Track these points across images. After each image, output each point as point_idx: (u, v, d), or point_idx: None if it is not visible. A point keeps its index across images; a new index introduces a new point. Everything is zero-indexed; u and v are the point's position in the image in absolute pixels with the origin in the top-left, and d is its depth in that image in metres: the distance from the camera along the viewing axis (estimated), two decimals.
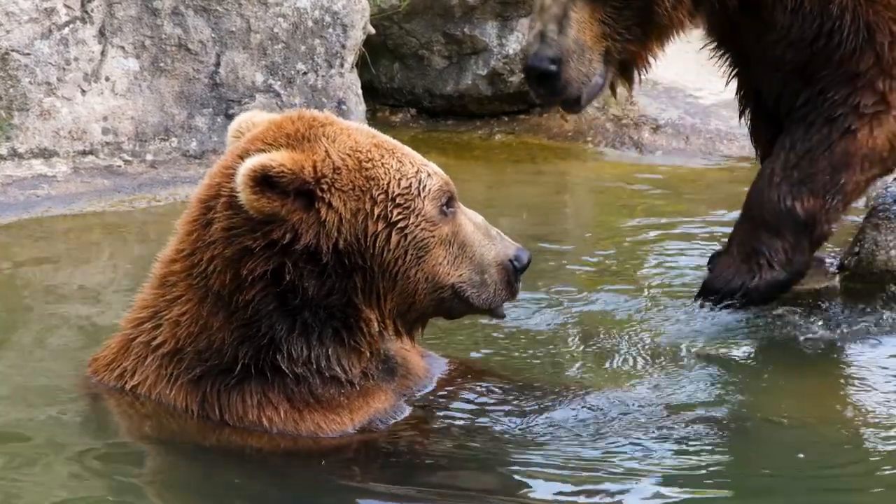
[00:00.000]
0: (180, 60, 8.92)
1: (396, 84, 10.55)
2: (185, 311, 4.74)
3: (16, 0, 8.44)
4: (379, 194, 4.68)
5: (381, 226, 4.67)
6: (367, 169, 4.68)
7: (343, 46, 9.28)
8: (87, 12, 8.68)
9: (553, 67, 5.76)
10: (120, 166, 8.75)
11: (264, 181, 4.51)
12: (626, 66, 5.94)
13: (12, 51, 8.44)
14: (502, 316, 5.04)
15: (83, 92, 8.68)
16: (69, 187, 8.47)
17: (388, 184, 4.70)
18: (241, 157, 4.66)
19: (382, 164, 4.72)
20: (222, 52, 9.01)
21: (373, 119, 9.97)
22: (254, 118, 4.88)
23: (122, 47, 8.79)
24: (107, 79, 8.76)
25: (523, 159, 9.69)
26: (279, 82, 9.12)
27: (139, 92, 8.84)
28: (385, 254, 4.68)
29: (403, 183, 4.72)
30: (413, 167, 4.77)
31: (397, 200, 4.70)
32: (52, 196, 8.37)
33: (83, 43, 8.67)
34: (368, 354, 4.84)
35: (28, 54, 8.48)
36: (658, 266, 7.27)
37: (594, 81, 5.85)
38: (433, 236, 4.76)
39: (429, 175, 4.79)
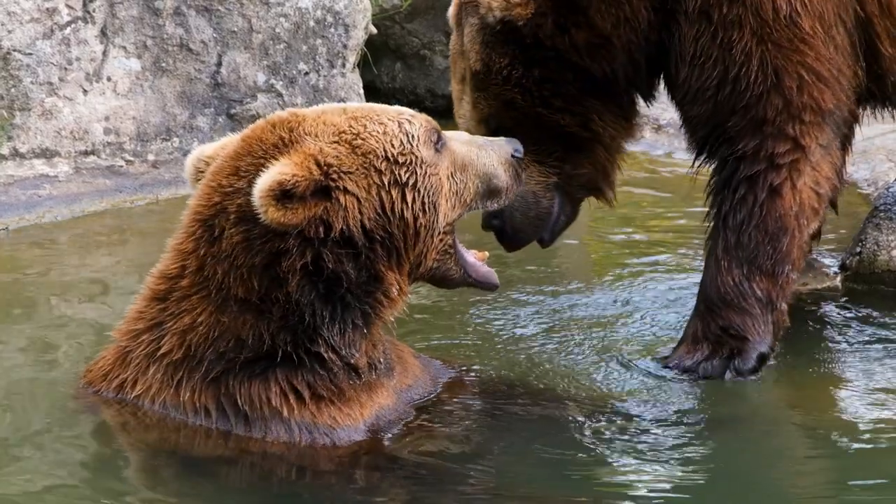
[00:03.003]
0: (182, 60, 8.92)
1: (398, 84, 10.55)
2: (198, 322, 4.80)
3: (17, 0, 8.44)
4: (381, 163, 4.79)
5: (395, 192, 4.79)
6: (358, 146, 4.79)
7: (345, 46, 9.28)
8: (88, 12, 8.68)
9: (496, 222, 5.85)
10: (122, 166, 8.76)
11: (283, 196, 4.60)
12: (590, 188, 5.96)
13: (14, 50, 8.44)
14: (495, 286, 5.17)
15: (85, 92, 8.68)
16: (71, 187, 8.47)
17: (384, 150, 4.81)
18: (237, 175, 4.76)
19: (368, 133, 4.82)
20: (224, 52, 9.01)
21: None
22: (204, 151, 4.99)
23: (124, 47, 8.79)
24: (108, 79, 8.76)
25: None
26: (281, 82, 9.12)
27: (141, 92, 8.84)
28: (406, 214, 4.81)
29: (395, 142, 4.84)
30: (393, 122, 4.90)
31: (399, 160, 4.82)
32: (53, 196, 8.37)
33: (85, 43, 8.67)
34: (380, 329, 4.94)
35: (30, 54, 8.48)
36: (657, 264, 7.25)
37: (553, 216, 5.89)
38: (439, 177, 4.91)
39: (409, 122, 4.94)
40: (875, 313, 6.49)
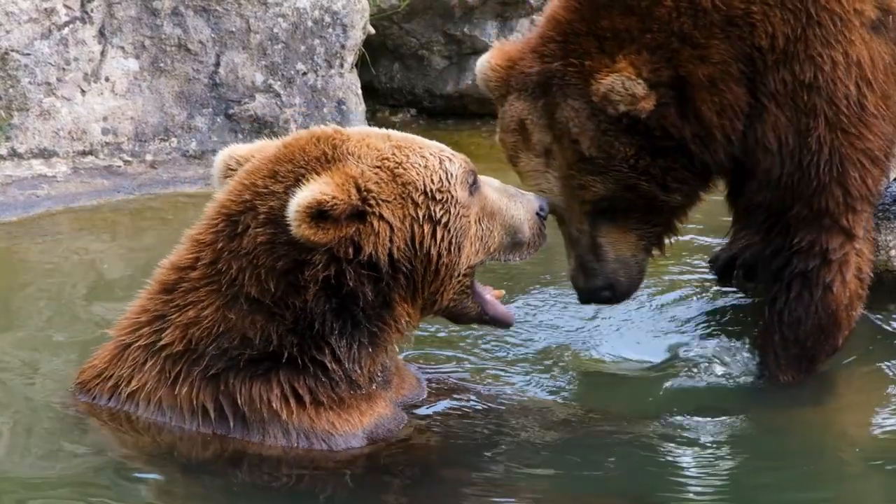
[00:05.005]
0: (180, 61, 8.93)
1: (396, 84, 10.56)
2: (203, 315, 4.81)
3: (15, 0, 8.44)
4: (419, 196, 4.84)
5: (427, 227, 4.84)
6: (399, 175, 4.84)
7: (343, 46, 9.28)
8: (86, 12, 8.68)
9: (607, 294, 5.89)
10: (120, 166, 8.76)
11: (319, 215, 4.65)
12: (660, 244, 6.02)
13: (12, 51, 8.44)
14: (509, 325, 5.27)
15: (83, 92, 8.69)
16: (69, 187, 8.48)
17: (423, 183, 4.86)
18: (274, 179, 4.79)
19: (410, 164, 4.87)
20: (222, 53, 9.01)
21: (372, 119, 9.98)
22: (237, 151, 5.02)
23: (122, 47, 8.79)
24: (106, 79, 8.76)
25: None
26: (279, 82, 9.13)
27: (139, 92, 8.85)
28: (431, 250, 4.85)
29: (434, 178, 4.88)
30: (435, 158, 4.93)
31: (436, 197, 4.87)
32: (52, 196, 8.37)
33: (83, 43, 8.67)
34: (385, 353, 4.99)
35: (28, 54, 8.49)
36: (654, 268, 7.24)
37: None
38: (469, 220, 4.95)
39: (450, 160, 4.96)
40: (873, 314, 6.49)
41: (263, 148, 4.96)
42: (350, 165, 4.77)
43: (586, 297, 5.93)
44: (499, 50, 5.71)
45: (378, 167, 4.80)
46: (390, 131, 5.00)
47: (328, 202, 4.64)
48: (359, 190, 4.74)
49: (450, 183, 4.90)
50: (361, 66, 9.69)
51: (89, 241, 7.95)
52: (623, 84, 5.37)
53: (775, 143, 5.56)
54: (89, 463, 4.93)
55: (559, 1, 5.60)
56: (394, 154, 4.86)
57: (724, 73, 5.47)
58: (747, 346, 6.03)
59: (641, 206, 5.64)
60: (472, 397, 5.42)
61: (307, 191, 4.66)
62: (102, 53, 8.75)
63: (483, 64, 5.73)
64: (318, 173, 4.73)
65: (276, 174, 4.79)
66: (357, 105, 9.37)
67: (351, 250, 4.73)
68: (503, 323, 5.21)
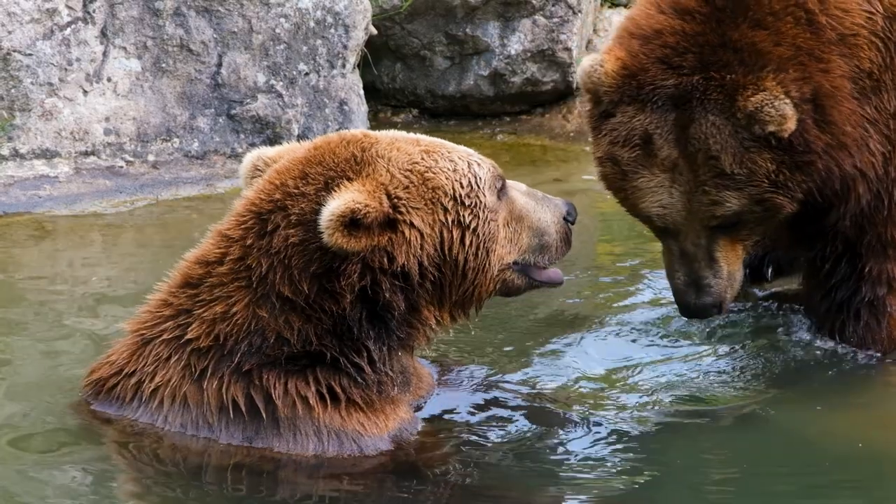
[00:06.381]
0: (182, 61, 8.93)
1: (398, 84, 10.56)
2: (232, 312, 4.81)
3: (17, 0, 8.45)
4: (448, 201, 4.87)
5: (456, 232, 4.87)
6: (429, 179, 4.86)
7: (345, 47, 9.28)
8: (88, 13, 8.69)
9: (716, 311, 5.84)
10: (122, 167, 8.76)
11: (352, 223, 4.68)
12: (749, 249, 6.03)
13: (14, 51, 8.44)
14: (561, 283, 5.25)
15: (85, 92, 8.69)
16: (71, 188, 8.48)
17: (453, 188, 4.88)
18: (305, 180, 4.81)
19: (440, 168, 4.89)
20: (224, 53, 9.01)
21: (374, 120, 9.98)
22: (265, 153, 5.06)
23: (124, 48, 8.79)
24: (108, 79, 8.76)
25: (524, 162, 9.71)
26: (281, 83, 9.13)
27: (141, 92, 8.85)
28: (459, 256, 4.88)
29: (464, 182, 4.91)
30: (463, 161, 4.95)
31: (465, 202, 4.89)
32: (53, 196, 8.37)
33: (85, 43, 8.67)
34: (411, 355, 5.06)
35: (30, 55, 8.49)
36: (657, 268, 7.25)
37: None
38: (497, 224, 4.98)
39: (479, 164, 4.98)
40: None
41: (292, 150, 4.99)
42: (380, 170, 4.80)
43: (694, 314, 5.84)
44: (611, 55, 5.50)
45: (408, 171, 4.84)
46: (419, 135, 5.02)
47: (361, 210, 4.67)
48: (389, 197, 4.77)
49: (478, 187, 4.92)
50: (363, 66, 9.70)
51: (91, 242, 7.95)
52: (772, 104, 5.29)
53: (872, 171, 5.59)
54: (98, 474, 4.89)
55: (671, 14, 5.46)
56: (423, 158, 4.88)
57: (843, 85, 5.45)
58: (761, 347, 6.06)
59: (762, 218, 5.58)
60: (486, 398, 5.43)
61: (339, 199, 4.68)
62: (104, 54, 8.75)
63: (595, 68, 5.49)
64: (347, 177, 4.77)
65: (307, 175, 4.82)
66: (359, 105, 9.37)
67: (385, 260, 4.76)
68: (555, 284, 5.23)
